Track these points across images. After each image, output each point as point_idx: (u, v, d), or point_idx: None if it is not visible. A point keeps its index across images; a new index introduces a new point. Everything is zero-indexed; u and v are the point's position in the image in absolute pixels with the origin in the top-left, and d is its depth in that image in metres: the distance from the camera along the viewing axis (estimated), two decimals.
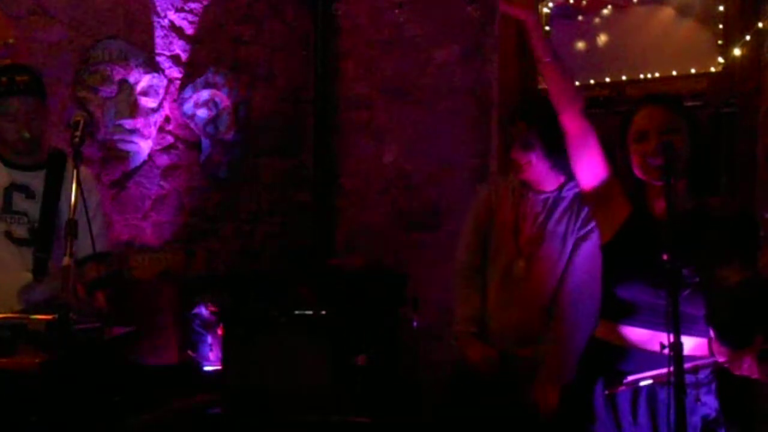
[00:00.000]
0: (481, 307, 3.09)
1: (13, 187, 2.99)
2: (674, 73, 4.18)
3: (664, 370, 2.10)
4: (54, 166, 3.04)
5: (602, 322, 2.48)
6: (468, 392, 3.10)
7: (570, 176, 2.86)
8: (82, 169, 3.06)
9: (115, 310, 3.21)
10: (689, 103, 3.41)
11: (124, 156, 4.22)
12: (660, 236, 2.22)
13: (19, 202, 2.97)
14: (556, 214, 2.99)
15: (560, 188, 3.02)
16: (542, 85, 4.55)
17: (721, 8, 4.06)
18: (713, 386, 2.38)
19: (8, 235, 2.94)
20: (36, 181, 3.01)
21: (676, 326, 2.01)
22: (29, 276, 2.89)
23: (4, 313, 2.63)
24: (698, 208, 2.38)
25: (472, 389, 3.08)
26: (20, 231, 2.91)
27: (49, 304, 2.81)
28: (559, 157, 2.77)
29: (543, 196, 3.03)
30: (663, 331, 2.13)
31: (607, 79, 4.29)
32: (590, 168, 2.49)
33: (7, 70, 3.02)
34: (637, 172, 2.40)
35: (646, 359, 2.30)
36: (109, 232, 3.13)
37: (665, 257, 2.08)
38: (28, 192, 3.00)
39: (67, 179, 2.99)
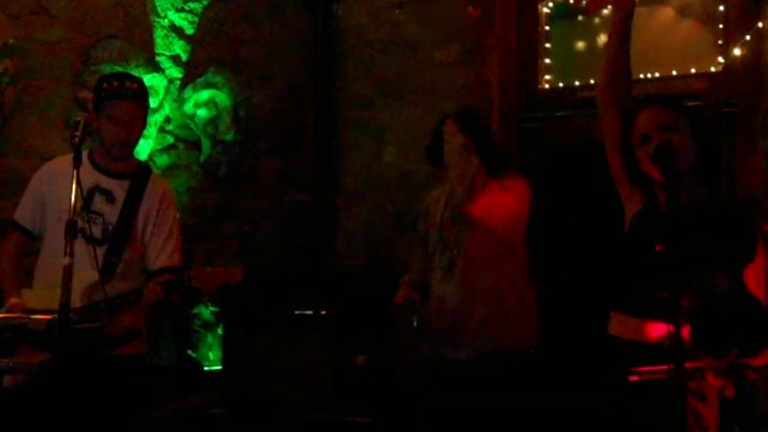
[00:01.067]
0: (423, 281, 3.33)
1: (96, 189, 3.08)
2: (674, 73, 4.18)
3: (662, 367, 2.10)
4: (139, 178, 3.15)
5: (614, 315, 2.50)
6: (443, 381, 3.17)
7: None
8: (166, 186, 3.25)
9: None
10: (689, 103, 3.41)
11: None
12: (659, 230, 2.23)
13: (99, 203, 3.07)
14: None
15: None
16: (542, 86, 4.56)
17: (721, 8, 4.06)
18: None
19: (82, 232, 2.98)
20: (119, 189, 3.11)
21: (677, 323, 2.01)
22: (95, 275, 2.93)
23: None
24: (702, 206, 2.38)
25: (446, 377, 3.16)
26: (94, 230, 2.97)
27: (111, 304, 2.87)
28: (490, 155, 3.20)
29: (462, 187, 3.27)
30: (656, 322, 2.16)
31: None
32: (612, 160, 2.58)
33: (118, 76, 3.15)
34: (646, 171, 2.43)
35: (646, 351, 2.31)
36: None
37: (658, 248, 2.10)
38: (109, 196, 3.09)
39: (148, 191, 3.13)
